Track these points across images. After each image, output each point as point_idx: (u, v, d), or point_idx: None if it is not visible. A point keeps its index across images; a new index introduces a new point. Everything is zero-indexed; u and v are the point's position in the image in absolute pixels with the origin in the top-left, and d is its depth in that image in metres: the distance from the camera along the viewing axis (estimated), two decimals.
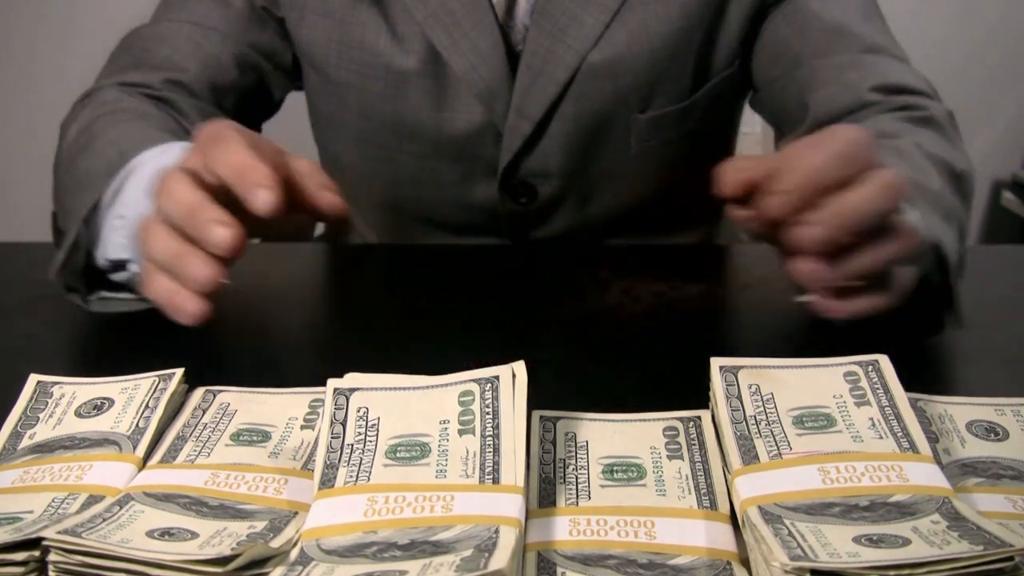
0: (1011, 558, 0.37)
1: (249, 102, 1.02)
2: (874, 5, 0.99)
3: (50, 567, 0.40)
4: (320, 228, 1.29)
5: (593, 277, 0.87)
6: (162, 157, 0.74)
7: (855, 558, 0.38)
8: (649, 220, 1.04)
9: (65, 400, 0.55)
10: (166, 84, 0.94)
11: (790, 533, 0.40)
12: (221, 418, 0.53)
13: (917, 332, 0.71)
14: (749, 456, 0.47)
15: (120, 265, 0.75)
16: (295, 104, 1.11)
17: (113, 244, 0.75)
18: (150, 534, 0.42)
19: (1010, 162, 2.37)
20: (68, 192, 0.82)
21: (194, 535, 0.42)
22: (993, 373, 0.69)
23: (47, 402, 0.55)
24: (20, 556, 0.41)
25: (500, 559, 0.38)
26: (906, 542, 0.39)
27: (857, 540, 0.40)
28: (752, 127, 1.39)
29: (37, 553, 0.41)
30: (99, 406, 0.55)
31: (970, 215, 0.82)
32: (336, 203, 0.64)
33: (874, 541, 0.39)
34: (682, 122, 0.99)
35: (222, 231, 0.56)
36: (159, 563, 0.39)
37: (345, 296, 0.88)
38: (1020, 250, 1.28)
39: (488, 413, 0.48)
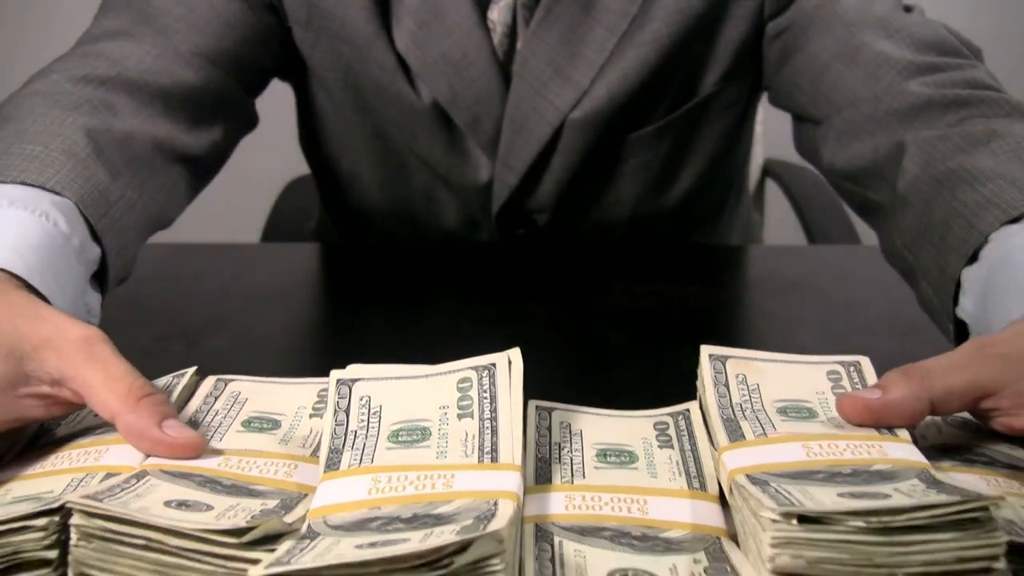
0: (986, 508, 0.39)
1: (255, 69, 0.94)
2: None
3: (72, 530, 0.42)
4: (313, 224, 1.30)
5: (593, 277, 0.89)
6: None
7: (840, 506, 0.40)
8: (646, 223, 1.03)
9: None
10: (172, 47, 0.84)
11: (777, 491, 0.42)
12: (232, 405, 0.55)
13: None
14: (736, 435, 0.50)
15: None
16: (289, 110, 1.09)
17: None
18: (168, 504, 0.44)
19: None
20: None
21: (209, 507, 0.44)
22: None
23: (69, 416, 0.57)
24: (41, 522, 0.43)
25: (499, 523, 0.40)
26: (887, 497, 0.41)
27: (841, 495, 0.42)
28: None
29: (58, 518, 0.43)
30: None
31: None
32: None
33: (857, 496, 0.42)
34: (660, 141, 0.97)
35: None
36: (177, 531, 0.41)
37: (345, 295, 0.89)
38: None
39: (486, 398, 0.51)
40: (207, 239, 1.04)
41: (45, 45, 1.00)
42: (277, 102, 1.08)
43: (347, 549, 0.40)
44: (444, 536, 0.40)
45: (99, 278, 0.68)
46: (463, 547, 0.38)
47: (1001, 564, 0.40)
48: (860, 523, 0.39)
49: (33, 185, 0.65)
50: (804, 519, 0.40)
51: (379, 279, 0.92)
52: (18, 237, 0.60)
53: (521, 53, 0.89)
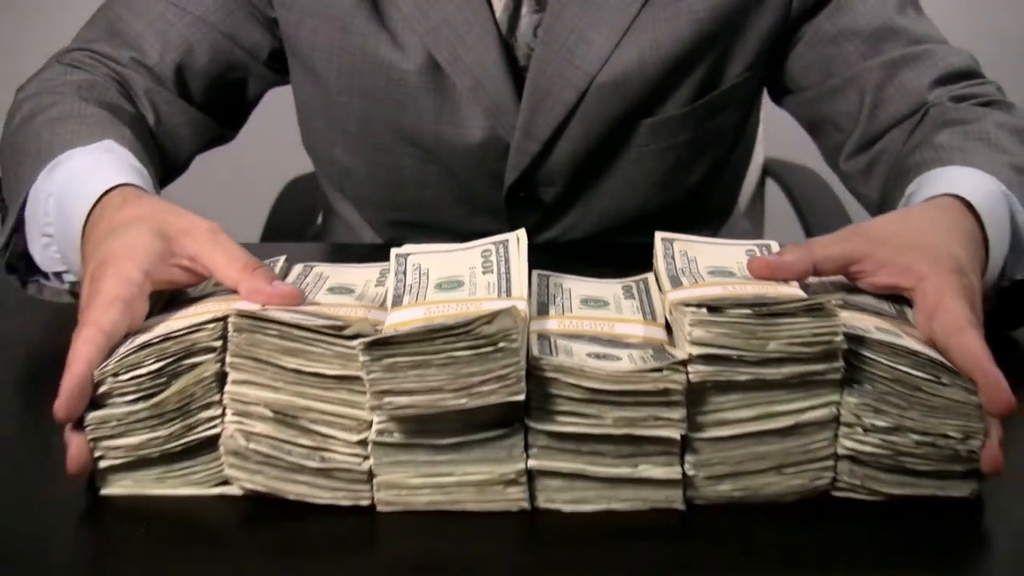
0: (828, 303, 0.61)
1: (218, 90, 1.04)
2: None
3: (230, 326, 0.64)
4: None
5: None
6: (86, 158, 0.83)
7: None
8: (653, 221, 1.09)
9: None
10: (131, 62, 0.98)
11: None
12: (318, 281, 0.77)
13: (1010, 322, 0.86)
14: (677, 284, 0.71)
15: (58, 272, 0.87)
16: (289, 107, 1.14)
17: (48, 259, 0.86)
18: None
19: None
20: (6, 162, 0.92)
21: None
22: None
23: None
24: (211, 324, 0.64)
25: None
26: None
27: None
28: None
29: (221, 323, 0.64)
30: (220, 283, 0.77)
31: None
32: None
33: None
34: (683, 128, 1.02)
35: (69, 452, 0.64)
36: (298, 324, 0.63)
37: None
38: None
39: (502, 260, 0.72)
40: None
41: (46, 45, 1.08)
42: (277, 102, 1.14)
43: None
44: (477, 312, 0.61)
45: None
46: (489, 320, 0.59)
47: (839, 338, 0.61)
48: (746, 310, 0.61)
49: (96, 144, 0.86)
50: (711, 309, 0.61)
51: None
52: (123, 168, 0.82)
53: (545, 21, 0.96)
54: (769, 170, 1.58)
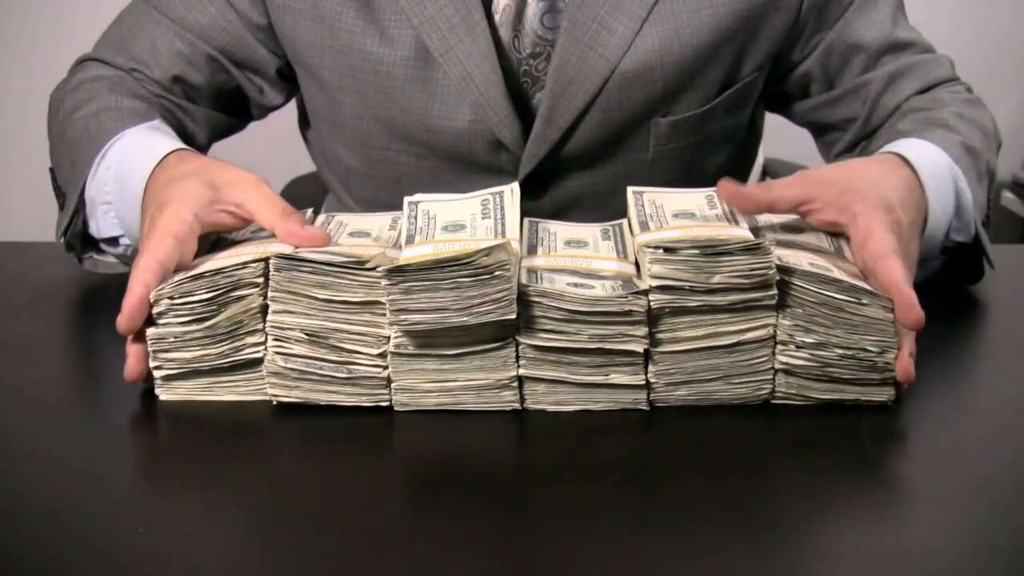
0: (764, 243, 0.74)
1: (220, 99, 1.12)
2: (899, 4, 1.11)
3: (271, 265, 0.77)
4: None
5: None
6: (140, 133, 0.95)
7: None
8: None
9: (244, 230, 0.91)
10: (139, 75, 1.07)
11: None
12: (339, 227, 0.90)
13: (961, 280, 0.98)
14: (645, 228, 0.84)
15: (113, 240, 0.98)
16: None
17: (107, 225, 0.96)
18: None
19: (1010, 163, 2.46)
20: (60, 154, 1.02)
21: None
22: (994, 370, 0.89)
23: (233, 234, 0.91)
24: (255, 262, 0.78)
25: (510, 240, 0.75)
26: None
27: None
28: None
29: (263, 262, 0.78)
30: (257, 230, 0.90)
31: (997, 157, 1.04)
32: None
33: None
34: (701, 126, 1.06)
35: (128, 362, 0.78)
36: (327, 262, 0.76)
37: None
38: (1020, 250, 1.42)
39: (498, 208, 0.86)
40: None
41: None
42: None
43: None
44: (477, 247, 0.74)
45: None
46: (487, 253, 0.73)
47: (772, 271, 0.75)
48: (696, 251, 0.75)
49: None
50: (667, 250, 0.75)
51: None
52: (174, 138, 0.96)
53: (568, 11, 1.00)
54: (769, 170, 1.63)
